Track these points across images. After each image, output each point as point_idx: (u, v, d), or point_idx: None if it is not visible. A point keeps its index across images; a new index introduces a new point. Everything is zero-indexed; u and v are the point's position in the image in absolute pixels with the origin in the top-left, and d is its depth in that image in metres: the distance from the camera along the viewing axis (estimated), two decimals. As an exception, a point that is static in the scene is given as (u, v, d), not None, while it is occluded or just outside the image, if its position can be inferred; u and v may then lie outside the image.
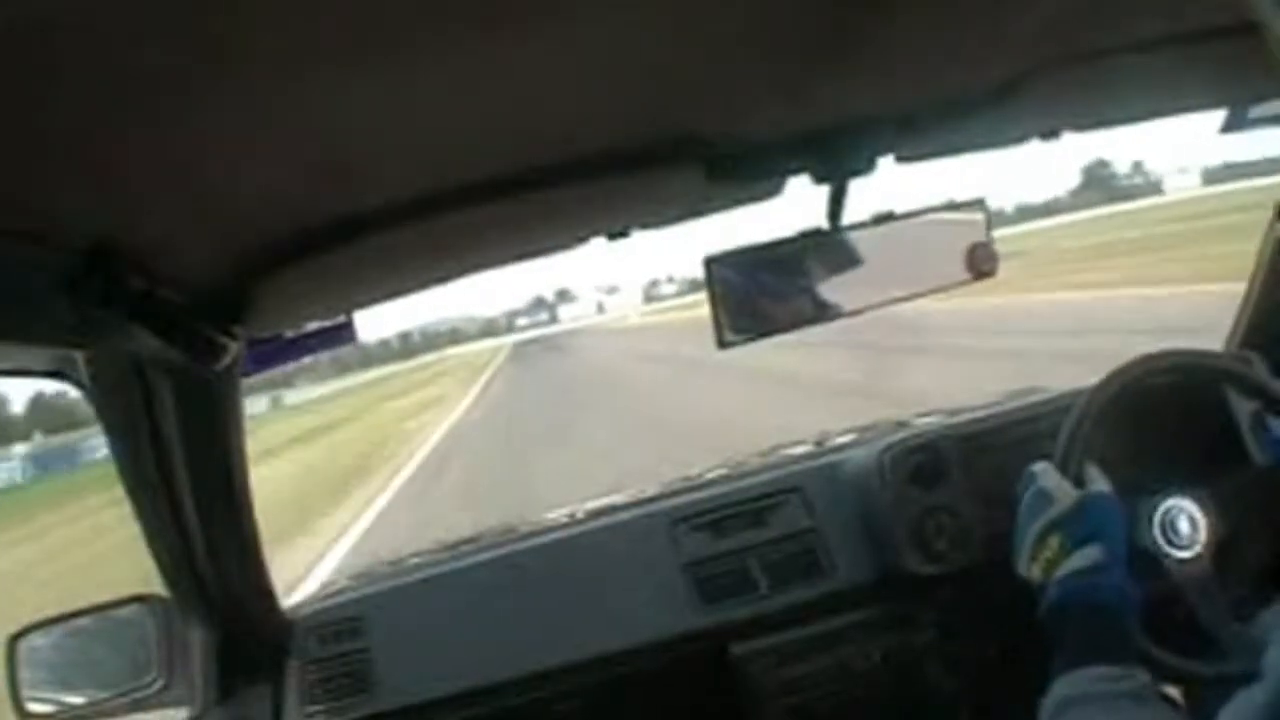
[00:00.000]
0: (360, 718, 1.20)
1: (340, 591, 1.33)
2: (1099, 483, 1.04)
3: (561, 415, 12.06)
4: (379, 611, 1.26)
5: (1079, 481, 1.06)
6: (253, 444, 1.06)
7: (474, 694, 1.22)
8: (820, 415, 3.92)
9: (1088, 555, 0.96)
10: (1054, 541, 0.99)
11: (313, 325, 1.01)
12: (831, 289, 0.96)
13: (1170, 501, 1.09)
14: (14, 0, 0.34)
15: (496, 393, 21.12)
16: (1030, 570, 1.01)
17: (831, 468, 1.37)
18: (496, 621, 1.25)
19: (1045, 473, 1.06)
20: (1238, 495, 1.12)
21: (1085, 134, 1.05)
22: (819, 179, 0.92)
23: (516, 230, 0.91)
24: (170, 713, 1.12)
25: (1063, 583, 0.96)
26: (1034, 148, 1.05)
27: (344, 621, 1.25)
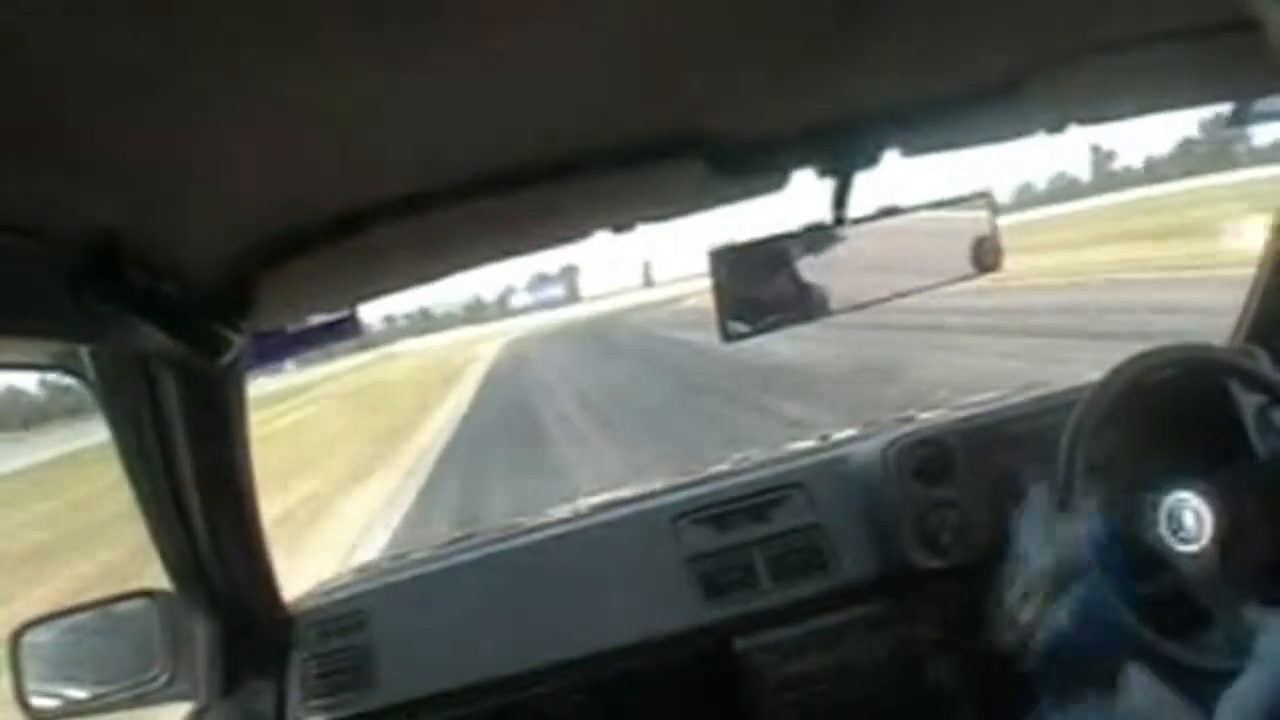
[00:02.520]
0: (363, 712, 1.20)
1: (343, 586, 1.33)
2: (1081, 517, 1.05)
3: None
4: (381, 606, 1.26)
5: (1069, 489, 1.07)
6: None
7: (476, 689, 1.22)
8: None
9: (1077, 593, 0.98)
10: (1046, 581, 1.01)
11: (316, 319, 1.01)
12: (836, 283, 0.96)
13: (1175, 495, 1.09)
14: None
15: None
16: (1022, 614, 1.03)
17: (835, 463, 1.37)
18: (499, 617, 1.26)
19: (1030, 519, 1.08)
20: (1243, 489, 1.12)
21: (1090, 127, 1.05)
22: (823, 173, 0.92)
23: (520, 224, 0.91)
24: (174, 707, 1.12)
25: (1053, 626, 0.99)
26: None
27: (347, 616, 1.25)
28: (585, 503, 1.44)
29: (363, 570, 1.42)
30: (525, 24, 0.50)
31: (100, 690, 1.06)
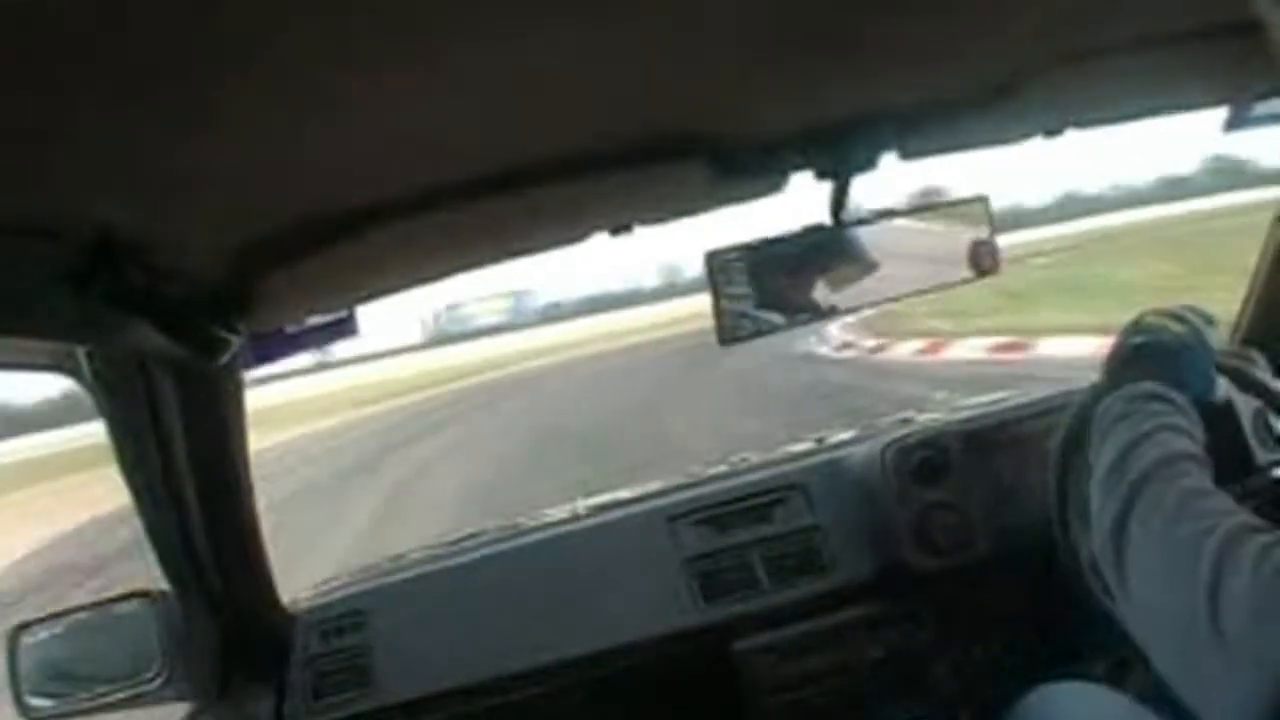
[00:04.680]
0: (361, 712, 1.20)
1: (341, 586, 1.33)
2: None
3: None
4: (380, 607, 1.26)
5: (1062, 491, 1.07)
6: None
7: (474, 689, 1.22)
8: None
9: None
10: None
11: (314, 320, 1.01)
12: (834, 286, 0.96)
13: None
14: None
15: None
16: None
17: (833, 465, 1.37)
18: (498, 617, 1.26)
19: None
20: (1240, 494, 1.12)
21: (1088, 131, 1.05)
22: (822, 176, 0.92)
23: (519, 225, 0.91)
24: (172, 708, 1.12)
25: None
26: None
27: (345, 617, 1.25)
28: (584, 504, 1.44)
29: (361, 571, 1.42)
30: (524, 26, 0.50)
31: (97, 691, 1.06)
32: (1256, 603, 0.59)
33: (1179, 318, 0.95)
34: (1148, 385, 0.84)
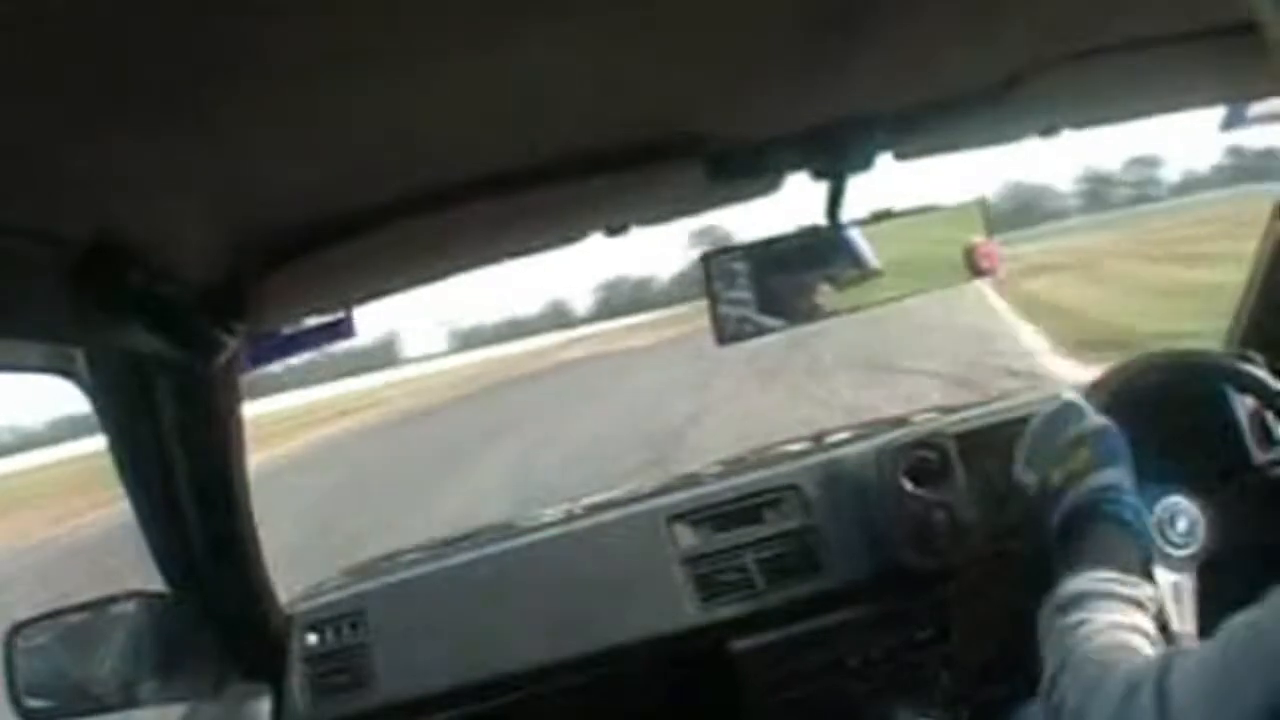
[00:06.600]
0: (358, 712, 1.20)
1: (338, 587, 1.33)
2: None
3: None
4: (377, 606, 1.26)
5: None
6: None
7: (471, 689, 1.22)
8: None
9: (1114, 474, 0.95)
10: (1084, 454, 0.97)
11: (312, 321, 1.01)
12: (831, 286, 0.96)
13: (1169, 500, 1.09)
14: None
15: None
16: (1050, 475, 1.00)
17: (830, 465, 1.37)
18: (494, 617, 1.26)
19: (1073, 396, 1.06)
20: (1237, 494, 1.12)
21: (1083, 131, 1.05)
22: (817, 176, 0.92)
23: (516, 226, 0.91)
24: (170, 708, 1.12)
25: (1089, 495, 0.95)
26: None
27: (342, 617, 1.25)
28: (580, 503, 1.45)
29: (359, 570, 1.43)
30: (521, 27, 0.50)
31: (94, 691, 1.06)
32: None
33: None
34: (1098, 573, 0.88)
